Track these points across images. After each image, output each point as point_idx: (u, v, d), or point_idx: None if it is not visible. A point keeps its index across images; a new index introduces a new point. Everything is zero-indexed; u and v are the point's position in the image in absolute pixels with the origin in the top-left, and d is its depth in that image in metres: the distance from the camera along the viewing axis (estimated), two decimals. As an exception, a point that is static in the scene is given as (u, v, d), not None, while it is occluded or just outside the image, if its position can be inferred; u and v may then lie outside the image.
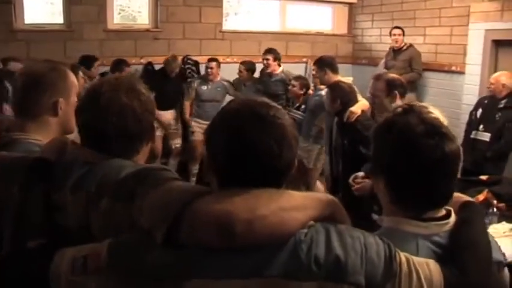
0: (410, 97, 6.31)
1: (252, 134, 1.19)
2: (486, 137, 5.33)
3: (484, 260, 1.37)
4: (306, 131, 5.62)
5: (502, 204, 4.06)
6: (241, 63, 6.85)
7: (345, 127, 4.44)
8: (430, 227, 1.40)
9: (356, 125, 4.30)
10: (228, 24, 8.18)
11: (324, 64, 5.36)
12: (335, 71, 5.34)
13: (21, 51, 6.29)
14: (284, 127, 1.22)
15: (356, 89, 4.64)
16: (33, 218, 1.45)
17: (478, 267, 1.32)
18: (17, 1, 6.62)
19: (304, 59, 8.13)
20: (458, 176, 5.24)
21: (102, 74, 6.12)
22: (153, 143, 1.64)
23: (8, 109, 4.13)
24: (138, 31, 7.42)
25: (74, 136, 1.68)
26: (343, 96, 4.50)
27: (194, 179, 6.71)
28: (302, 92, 6.07)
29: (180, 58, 7.00)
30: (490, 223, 3.78)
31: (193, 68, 7.18)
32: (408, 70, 6.86)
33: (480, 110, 5.49)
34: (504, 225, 3.75)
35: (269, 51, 6.55)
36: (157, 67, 6.91)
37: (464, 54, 6.56)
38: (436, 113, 2.17)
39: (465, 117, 5.76)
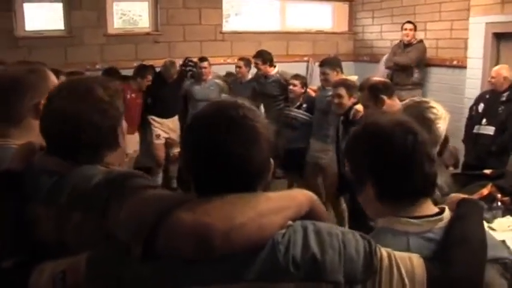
0: (415, 93, 6.64)
1: (219, 136, 1.16)
2: (490, 130, 5.35)
3: (475, 255, 1.34)
4: (319, 132, 5.50)
5: (506, 198, 4.05)
6: (240, 59, 6.80)
7: (351, 125, 4.37)
8: (422, 224, 1.42)
9: (361, 123, 4.26)
10: (229, 25, 8.20)
11: (337, 65, 5.39)
12: (342, 70, 5.42)
13: (23, 58, 6.15)
14: (254, 128, 1.19)
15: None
16: (5, 235, 1.38)
17: (466, 262, 1.30)
18: (18, 8, 6.69)
19: (305, 58, 8.17)
20: (459, 170, 5.18)
21: (124, 79, 6.13)
22: (120, 146, 1.56)
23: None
24: (138, 35, 7.46)
25: None
26: (355, 93, 4.48)
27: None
28: (303, 91, 5.94)
29: (178, 61, 6.96)
30: (494, 217, 3.79)
31: (194, 69, 7.01)
32: (414, 65, 6.94)
33: (482, 105, 5.51)
34: (509, 219, 3.74)
35: (257, 55, 6.39)
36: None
37: (466, 48, 6.56)
38: (437, 107, 2.24)
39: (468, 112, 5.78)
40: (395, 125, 1.46)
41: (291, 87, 5.91)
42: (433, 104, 2.32)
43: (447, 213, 1.46)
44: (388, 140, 1.43)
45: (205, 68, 6.75)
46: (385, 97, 3.52)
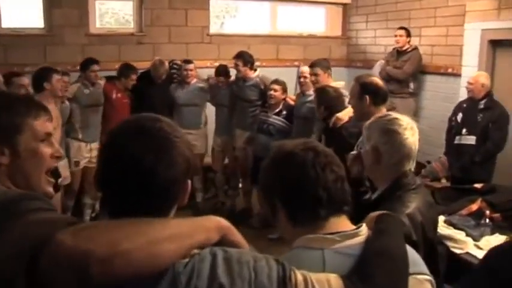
0: (409, 101, 6.72)
1: (126, 142, 1.16)
2: (471, 140, 5.39)
3: (396, 271, 1.33)
4: None
5: (496, 215, 3.97)
6: (215, 73, 6.59)
7: (332, 134, 4.35)
8: (337, 238, 1.40)
9: (342, 131, 4.19)
10: (225, 28, 8.14)
11: (328, 67, 5.35)
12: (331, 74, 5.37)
13: (-1, 57, 6.20)
14: (170, 143, 1.19)
15: (346, 93, 4.46)
16: None
17: (388, 276, 1.29)
18: (-6, 5, 6.53)
19: (296, 63, 7.99)
20: (448, 184, 5.19)
21: (109, 79, 6.24)
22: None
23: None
24: (122, 35, 7.33)
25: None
26: (327, 101, 4.48)
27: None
28: (283, 97, 5.92)
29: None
30: (482, 235, 3.71)
31: (180, 73, 6.95)
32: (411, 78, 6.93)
33: (460, 114, 5.56)
34: (497, 237, 3.64)
35: (238, 55, 6.25)
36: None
37: (461, 55, 6.47)
38: (402, 118, 2.23)
39: (461, 122, 5.68)
40: (298, 145, 1.49)
41: (271, 92, 5.85)
42: (396, 115, 2.25)
43: (365, 229, 1.46)
44: (288, 159, 1.46)
45: (190, 70, 6.62)
46: (368, 100, 3.39)
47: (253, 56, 6.33)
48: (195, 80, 6.67)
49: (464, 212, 4.01)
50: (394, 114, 2.28)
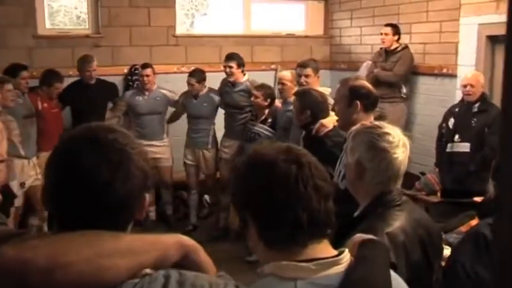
0: (399, 107, 6.76)
1: (78, 154, 1.18)
2: (465, 147, 5.36)
3: None
4: None
5: None
6: (190, 74, 6.51)
7: (313, 143, 4.20)
8: (313, 267, 1.37)
9: (325, 141, 4.13)
10: (195, 28, 8.07)
11: (317, 69, 5.41)
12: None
13: None
14: (126, 154, 1.21)
15: (331, 100, 4.43)
16: None
17: None
18: None
19: (273, 66, 7.96)
20: (439, 198, 5.11)
21: (32, 89, 6.02)
22: None
23: None
24: (75, 37, 7.14)
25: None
26: (314, 105, 4.39)
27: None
28: (267, 104, 5.91)
29: (123, 70, 6.96)
30: None
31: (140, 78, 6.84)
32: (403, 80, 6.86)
33: (452, 120, 5.57)
34: None
35: (231, 57, 6.27)
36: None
37: (456, 53, 6.40)
38: (393, 132, 2.19)
39: (458, 127, 5.64)
40: (280, 153, 1.44)
41: (252, 99, 5.94)
42: (387, 129, 2.21)
43: (346, 256, 1.43)
44: (267, 171, 1.42)
45: (147, 76, 6.50)
46: (360, 105, 3.37)
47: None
48: (155, 86, 6.62)
49: (464, 229, 3.85)
50: (384, 127, 2.22)
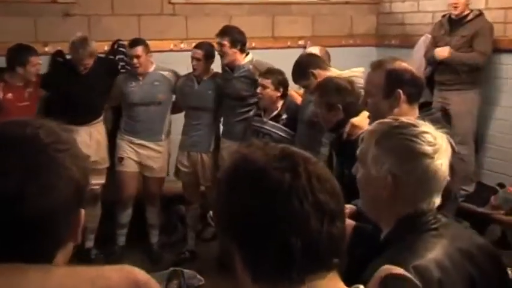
0: (469, 96, 6.47)
1: None
2: None
3: None
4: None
5: None
6: (196, 46, 6.04)
7: (345, 149, 4.13)
8: None
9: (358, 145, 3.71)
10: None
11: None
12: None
13: None
14: (47, 158, 1.16)
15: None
16: None
17: None
18: None
19: (301, 42, 7.44)
20: None
21: None
22: None
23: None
24: (39, 3, 6.56)
25: None
26: (346, 99, 4.23)
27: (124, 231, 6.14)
28: (279, 94, 5.41)
29: (104, 46, 6.51)
30: None
31: (128, 59, 6.48)
32: (469, 51, 6.39)
33: None
34: None
35: (223, 33, 5.79)
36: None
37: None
38: (432, 132, 2.11)
39: None
40: (272, 159, 1.30)
41: (258, 89, 5.49)
42: (424, 127, 2.05)
43: None
44: (252, 183, 1.28)
45: (137, 56, 5.95)
46: (402, 96, 3.18)
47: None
48: (152, 68, 6.12)
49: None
50: (422, 126, 2.11)
